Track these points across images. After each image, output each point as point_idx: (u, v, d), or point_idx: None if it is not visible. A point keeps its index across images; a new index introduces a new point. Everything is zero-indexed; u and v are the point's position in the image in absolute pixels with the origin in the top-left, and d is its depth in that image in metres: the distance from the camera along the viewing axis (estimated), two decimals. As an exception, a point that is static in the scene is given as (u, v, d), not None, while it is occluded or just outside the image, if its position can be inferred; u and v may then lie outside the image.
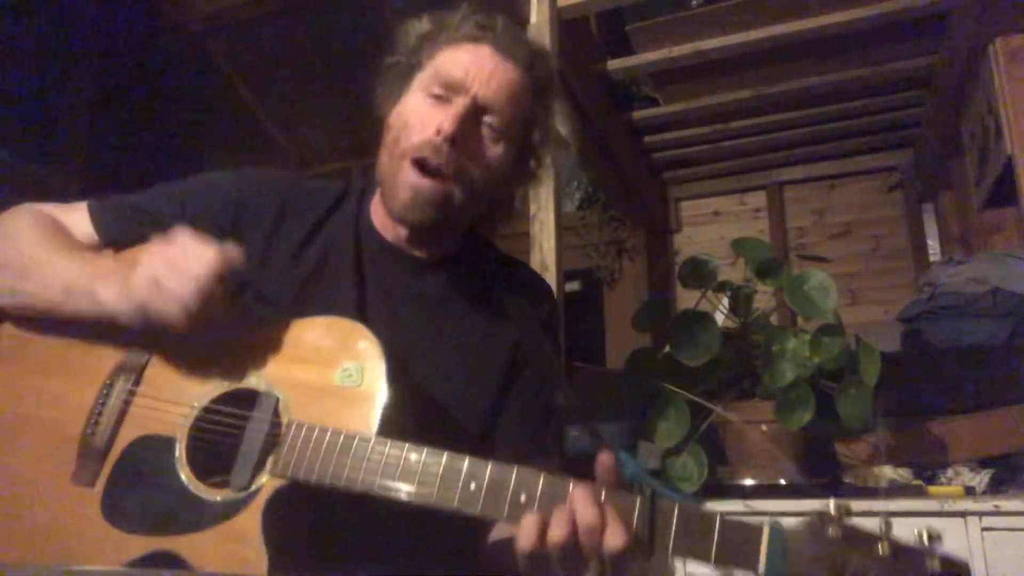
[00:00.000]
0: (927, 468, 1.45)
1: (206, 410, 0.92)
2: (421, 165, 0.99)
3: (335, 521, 0.93)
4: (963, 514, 1.19)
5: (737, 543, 0.72)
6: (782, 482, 1.35)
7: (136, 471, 0.91)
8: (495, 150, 1.03)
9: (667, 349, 1.42)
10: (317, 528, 0.92)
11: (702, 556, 0.73)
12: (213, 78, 3.66)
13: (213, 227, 1.02)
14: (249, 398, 0.92)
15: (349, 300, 1.02)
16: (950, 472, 1.41)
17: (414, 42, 1.06)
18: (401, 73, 1.07)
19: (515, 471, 0.79)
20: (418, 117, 1.00)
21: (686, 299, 1.63)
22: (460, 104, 0.99)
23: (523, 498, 0.77)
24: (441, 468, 0.81)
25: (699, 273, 1.49)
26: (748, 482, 1.37)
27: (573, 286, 3.73)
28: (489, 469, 0.80)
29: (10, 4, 3.08)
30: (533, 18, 1.86)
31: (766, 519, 0.73)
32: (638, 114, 2.66)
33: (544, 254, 1.70)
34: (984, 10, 1.88)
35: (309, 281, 1.03)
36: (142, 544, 0.86)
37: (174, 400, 0.93)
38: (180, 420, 0.92)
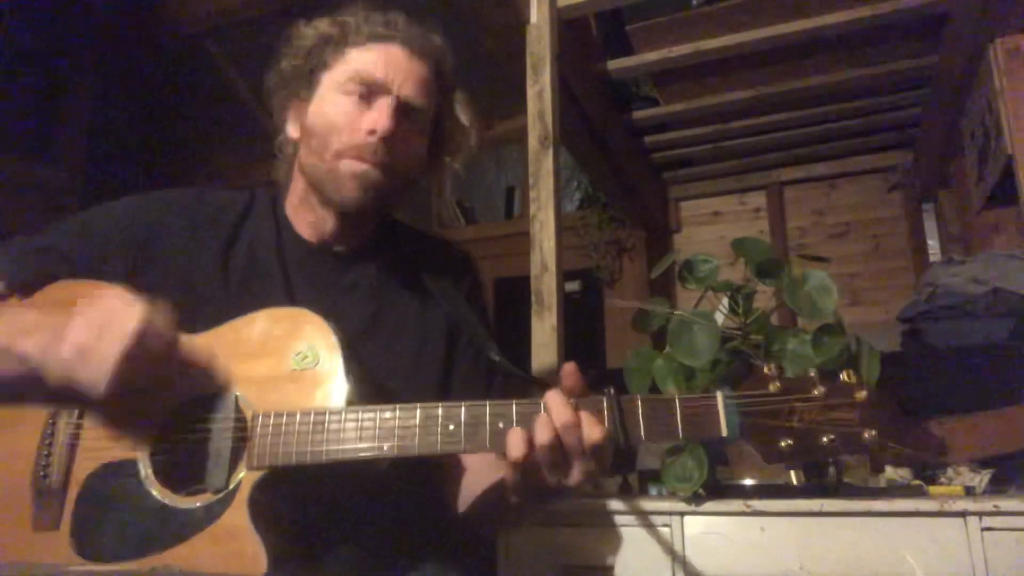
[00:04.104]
0: (927, 468, 1.45)
1: (165, 424, 0.90)
2: (359, 159, 1.04)
3: (321, 499, 0.94)
4: (963, 514, 1.19)
5: (698, 417, 0.81)
6: (782, 482, 1.35)
7: (102, 501, 0.89)
8: (415, 142, 1.09)
9: (667, 349, 1.42)
10: (306, 509, 0.93)
11: (672, 436, 0.82)
12: (213, 78, 3.66)
13: (124, 256, 1.02)
14: (207, 404, 0.90)
15: (282, 302, 1.02)
16: (950, 472, 1.41)
17: (312, 43, 1.09)
18: (301, 74, 1.09)
19: (488, 405, 0.84)
20: (345, 118, 1.04)
21: (686, 299, 1.63)
22: (387, 104, 1.04)
23: (501, 425, 0.83)
24: (417, 419, 0.84)
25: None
26: (748, 482, 1.36)
27: (573, 286, 3.74)
28: (463, 409, 0.84)
29: (11, 4, 3.08)
30: (533, 18, 1.86)
31: (717, 392, 0.83)
32: (638, 114, 2.66)
33: (544, 254, 1.70)
34: (984, 10, 1.88)
35: (240, 290, 1.03)
36: (129, 569, 0.84)
37: None
38: None
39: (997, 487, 1.34)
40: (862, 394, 0.80)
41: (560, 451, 0.81)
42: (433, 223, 4.10)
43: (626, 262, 3.56)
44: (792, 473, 1.28)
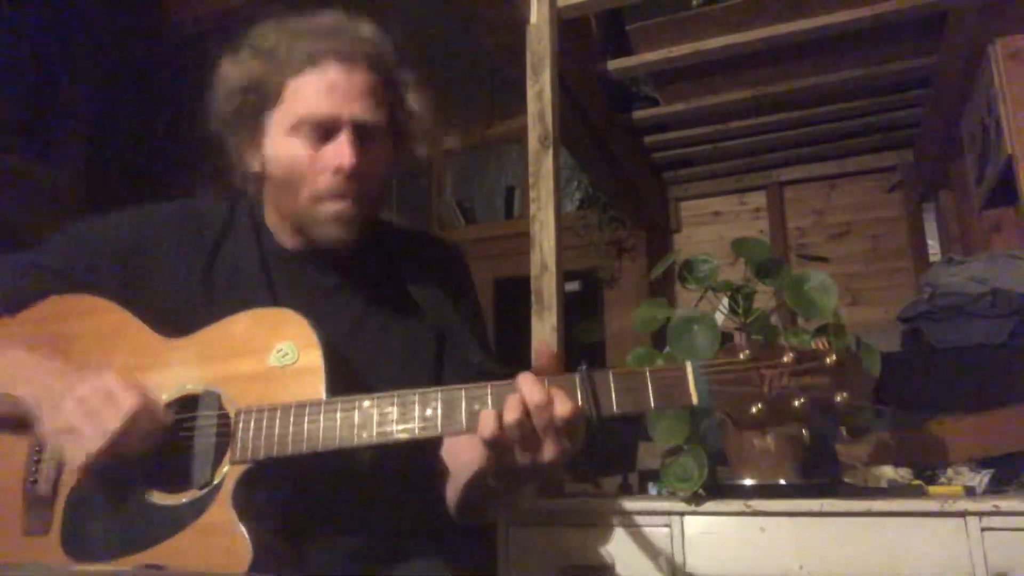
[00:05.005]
0: (927, 468, 1.45)
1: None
2: (335, 197, 1.02)
3: (305, 492, 0.95)
4: (963, 514, 1.19)
5: (669, 386, 0.83)
6: (782, 482, 1.35)
7: (91, 505, 0.91)
8: (380, 155, 1.05)
9: (667, 349, 1.42)
10: (289, 503, 0.94)
11: (644, 405, 0.83)
12: (214, 77, 3.66)
13: (113, 271, 1.04)
14: (191, 404, 0.93)
15: (266, 306, 1.03)
16: (950, 472, 1.42)
17: (245, 84, 1.04)
18: (245, 115, 1.05)
19: (463, 388, 0.86)
20: (306, 163, 1.01)
21: (686, 299, 1.63)
22: (344, 137, 1.00)
23: (477, 407, 0.84)
24: (395, 405, 0.86)
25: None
26: (748, 482, 1.36)
27: (573, 286, 3.74)
28: (440, 393, 0.86)
29: (11, 4, 3.08)
30: (533, 18, 1.86)
31: (687, 361, 0.84)
32: (638, 114, 2.65)
33: (544, 254, 1.70)
34: (984, 10, 1.88)
35: (224, 298, 1.03)
36: (118, 566, 0.86)
37: None
38: None
39: (997, 487, 1.34)
40: (832, 358, 0.81)
41: (530, 429, 0.82)
42: (433, 223, 4.10)
43: (626, 262, 3.56)
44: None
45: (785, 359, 0.81)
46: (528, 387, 0.82)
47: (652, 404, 0.83)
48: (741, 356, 0.82)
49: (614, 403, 0.83)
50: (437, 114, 1.15)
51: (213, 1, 3.34)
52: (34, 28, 3.26)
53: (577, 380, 0.84)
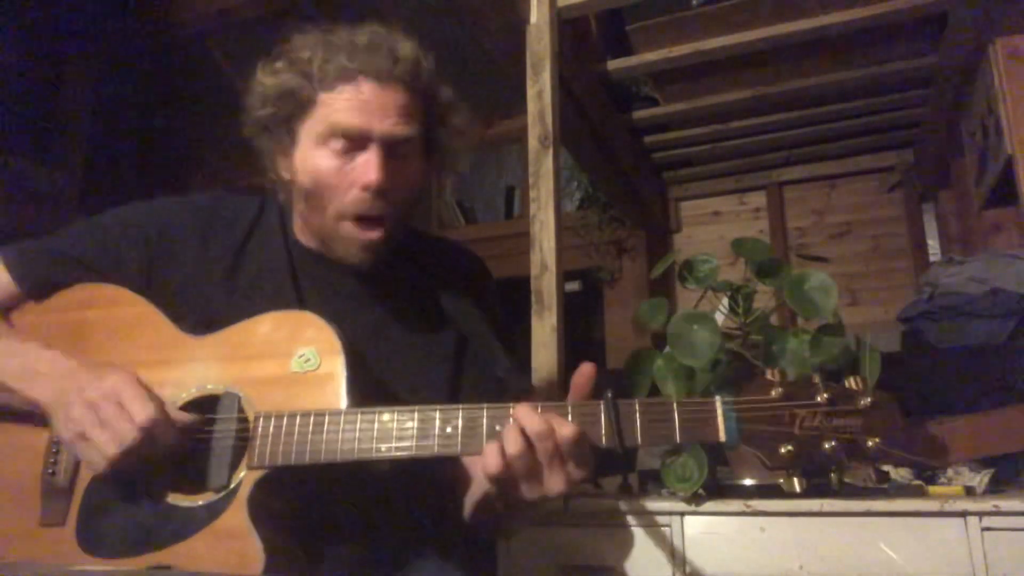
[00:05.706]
0: (927, 468, 1.45)
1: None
2: (362, 219, 1.01)
3: (320, 498, 0.95)
4: (963, 514, 1.19)
5: (697, 421, 0.81)
6: (782, 482, 1.35)
7: (107, 499, 0.91)
8: (410, 170, 1.04)
9: (667, 349, 1.42)
10: (304, 509, 0.94)
11: (669, 439, 0.81)
12: (213, 79, 3.66)
13: (138, 259, 1.04)
14: (210, 404, 0.93)
15: (290, 307, 1.03)
16: (950, 472, 1.41)
17: (279, 93, 1.02)
18: (278, 123, 1.04)
19: (484, 408, 0.84)
20: (335, 176, 1.00)
21: (686, 299, 1.63)
22: (374, 152, 0.99)
23: (498, 428, 0.83)
24: (415, 421, 0.85)
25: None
26: (748, 482, 1.36)
27: (573, 286, 3.74)
28: (461, 412, 0.85)
29: (10, 4, 3.08)
30: (533, 18, 1.86)
31: (716, 396, 0.81)
32: (638, 114, 2.66)
33: (544, 254, 1.70)
34: (984, 10, 1.88)
35: (247, 294, 1.04)
36: (130, 565, 0.86)
37: None
38: None
39: (997, 487, 1.34)
40: (866, 401, 0.78)
41: (534, 460, 0.80)
42: (433, 223, 4.10)
43: (626, 262, 3.56)
44: (795, 480, 1.27)
45: (818, 399, 0.79)
46: (525, 416, 0.80)
47: (678, 439, 0.81)
48: (772, 393, 0.80)
49: (639, 434, 0.81)
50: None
51: (212, 2, 3.34)
52: (34, 28, 3.26)
53: (602, 408, 0.82)
